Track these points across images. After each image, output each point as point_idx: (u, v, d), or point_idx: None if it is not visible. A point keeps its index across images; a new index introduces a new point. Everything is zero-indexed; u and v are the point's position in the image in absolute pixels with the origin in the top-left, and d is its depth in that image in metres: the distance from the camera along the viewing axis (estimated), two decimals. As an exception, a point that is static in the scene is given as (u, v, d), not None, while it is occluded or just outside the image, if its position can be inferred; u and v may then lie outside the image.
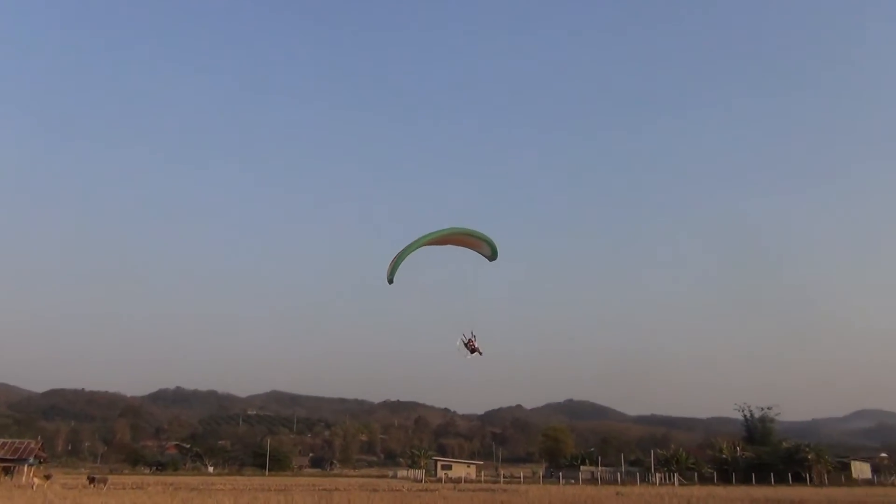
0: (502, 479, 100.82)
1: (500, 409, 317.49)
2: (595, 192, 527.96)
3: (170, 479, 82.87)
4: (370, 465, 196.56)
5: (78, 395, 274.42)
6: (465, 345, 28.01)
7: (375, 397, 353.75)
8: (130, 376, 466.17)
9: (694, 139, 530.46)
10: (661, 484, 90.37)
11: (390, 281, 27.75)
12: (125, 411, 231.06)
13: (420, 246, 27.95)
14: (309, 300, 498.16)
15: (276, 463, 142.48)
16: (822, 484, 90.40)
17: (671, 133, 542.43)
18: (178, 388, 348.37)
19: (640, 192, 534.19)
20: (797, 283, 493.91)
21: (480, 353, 28.01)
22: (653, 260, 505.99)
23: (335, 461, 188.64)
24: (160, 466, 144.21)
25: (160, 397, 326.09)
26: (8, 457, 68.48)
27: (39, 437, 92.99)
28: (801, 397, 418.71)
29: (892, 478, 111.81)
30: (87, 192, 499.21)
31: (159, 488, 45.65)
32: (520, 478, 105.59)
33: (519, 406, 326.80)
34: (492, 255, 29.43)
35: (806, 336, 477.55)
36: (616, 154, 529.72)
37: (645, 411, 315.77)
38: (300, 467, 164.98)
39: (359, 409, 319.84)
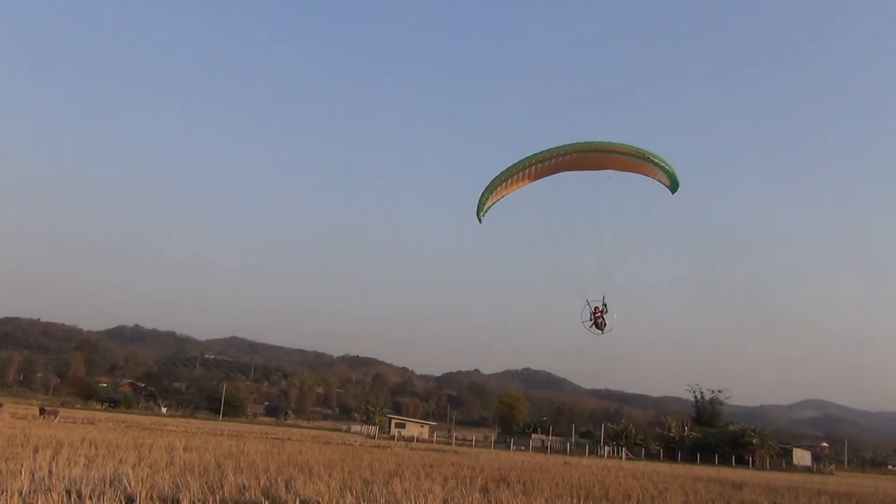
0: (454, 441, 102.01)
1: (458, 373, 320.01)
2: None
3: (122, 416, 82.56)
4: (325, 417, 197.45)
5: (33, 324, 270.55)
6: (592, 315, 22.80)
7: (335, 351, 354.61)
8: (89, 310, 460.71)
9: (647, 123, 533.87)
10: (608, 457, 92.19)
11: (479, 218, 23.33)
12: (81, 345, 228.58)
13: (528, 168, 22.36)
14: (276, 248, 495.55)
15: (230, 409, 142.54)
16: (763, 468, 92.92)
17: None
18: (136, 325, 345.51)
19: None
20: (755, 275, 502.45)
21: (602, 330, 22.85)
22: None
23: (290, 411, 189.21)
24: (113, 403, 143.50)
25: (118, 334, 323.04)
26: (-42, 382, 67.61)
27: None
28: (751, 383, 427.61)
29: (831, 466, 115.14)
30: (59, 121, 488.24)
31: (110, 425, 45.50)
32: (472, 441, 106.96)
33: (477, 371, 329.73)
34: (672, 183, 22.81)
35: (760, 324, 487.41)
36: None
37: (599, 385, 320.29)
38: (254, 415, 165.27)
39: (317, 362, 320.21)
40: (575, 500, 14.61)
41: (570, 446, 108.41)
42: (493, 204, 23.42)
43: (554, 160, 22.49)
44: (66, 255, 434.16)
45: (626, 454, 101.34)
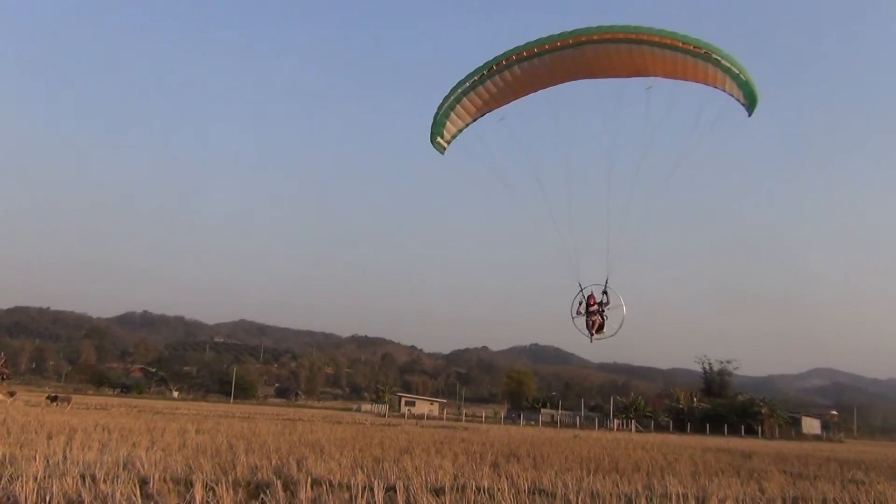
0: (464, 417, 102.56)
1: (466, 350, 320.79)
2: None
3: (134, 401, 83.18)
4: (335, 397, 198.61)
5: (43, 313, 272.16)
6: (586, 309, 17.79)
7: (343, 331, 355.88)
8: (97, 298, 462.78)
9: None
10: (618, 430, 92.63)
11: (437, 145, 17.05)
12: (91, 332, 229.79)
13: (511, 70, 15.25)
14: (281, 230, 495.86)
15: (241, 391, 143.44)
16: (772, 437, 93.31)
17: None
18: (145, 311, 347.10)
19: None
20: (765, 244, 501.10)
21: (595, 333, 17.73)
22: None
23: (300, 392, 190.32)
24: (124, 389, 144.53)
25: (127, 320, 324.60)
26: (-30, 372, 68.25)
27: (3, 354, 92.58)
28: (759, 353, 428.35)
29: (840, 434, 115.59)
30: (63, 114, 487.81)
31: (123, 410, 45.85)
32: (481, 417, 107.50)
33: (485, 348, 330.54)
34: (748, 97, 15.15)
35: (767, 294, 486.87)
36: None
37: (608, 359, 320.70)
38: (265, 396, 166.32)
39: (326, 343, 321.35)
40: (585, 473, 14.71)
41: (580, 420, 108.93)
42: (463, 129, 17.04)
43: (555, 58, 14.97)
44: (74, 244, 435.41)
45: (636, 427, 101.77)
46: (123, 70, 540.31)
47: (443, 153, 17.41)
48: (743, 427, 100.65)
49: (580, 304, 18.00)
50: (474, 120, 16.90)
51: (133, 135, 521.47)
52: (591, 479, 13.27)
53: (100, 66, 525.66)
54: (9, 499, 8.48)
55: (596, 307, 17.99)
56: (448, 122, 16.71)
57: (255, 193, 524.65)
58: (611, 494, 10.65)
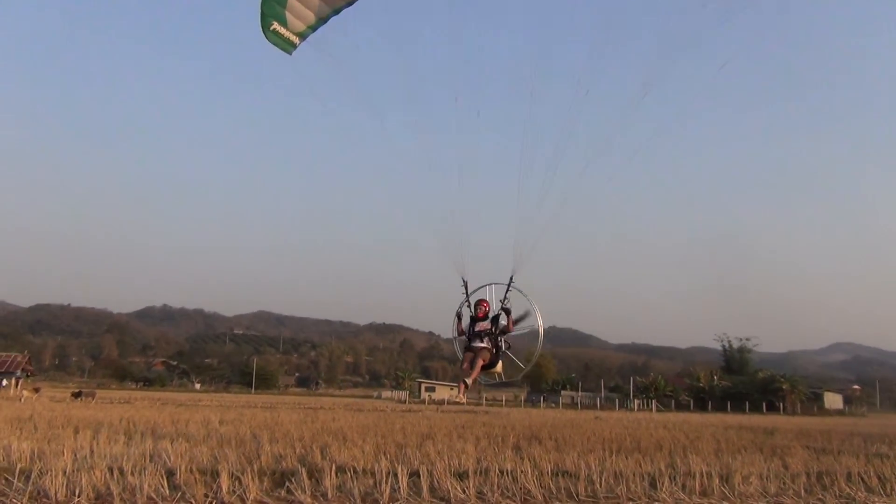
0: (485, 401, 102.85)
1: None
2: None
3: (157, 394, 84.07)
4: (355, 385, 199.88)
5: (64, 310, 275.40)
6: (470, 328, 12.83)
7: (361, 319, 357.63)
8: (117, 293, 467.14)
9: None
10: (638, 410, 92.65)
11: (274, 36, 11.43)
12: (112, 328, 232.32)
13: None
14: (298, 223, 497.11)
15: (262, 381, 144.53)
16: (794, 413, 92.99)
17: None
18: (164, 305, 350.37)
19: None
20: (777, 219, 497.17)
21: (491, 364, 12.71)
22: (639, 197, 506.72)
23: (320, 381, 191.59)
24: (147, 382, 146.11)
25: (147, 315, 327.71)
26: (-5, 369, 69.22)
27: (26, 351, 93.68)
28: (779, 330, 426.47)
29: (863, 408, 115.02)
30: (79, 107, 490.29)
31: (146, 403, 46.31)
32: (501, 401, 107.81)
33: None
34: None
35: (787, 270, 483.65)
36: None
37: (626, 340, 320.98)
38: (286, 386, 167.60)
39: (344, 331, 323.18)
40: (607, 454, 14.75)
41: (600, 401, 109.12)
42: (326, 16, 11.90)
43: None
44: (93, 240, 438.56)
45: (656, 406, 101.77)
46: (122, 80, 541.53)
47: (289, 51, 11.82)
48: (764, 404, 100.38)
49: (458, 319, 13.19)
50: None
51: (151, 131, 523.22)
52: (613, 460, 13.30)
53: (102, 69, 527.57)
54: (39, 493, 8.62)
55: (489, 327, 12.72)
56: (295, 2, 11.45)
57: (271, 186, 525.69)
58: (634, 474, 10.68)
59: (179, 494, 8.75)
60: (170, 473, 9.69)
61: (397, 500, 9.05)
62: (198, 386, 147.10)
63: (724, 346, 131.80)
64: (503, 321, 12.83)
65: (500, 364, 13.15)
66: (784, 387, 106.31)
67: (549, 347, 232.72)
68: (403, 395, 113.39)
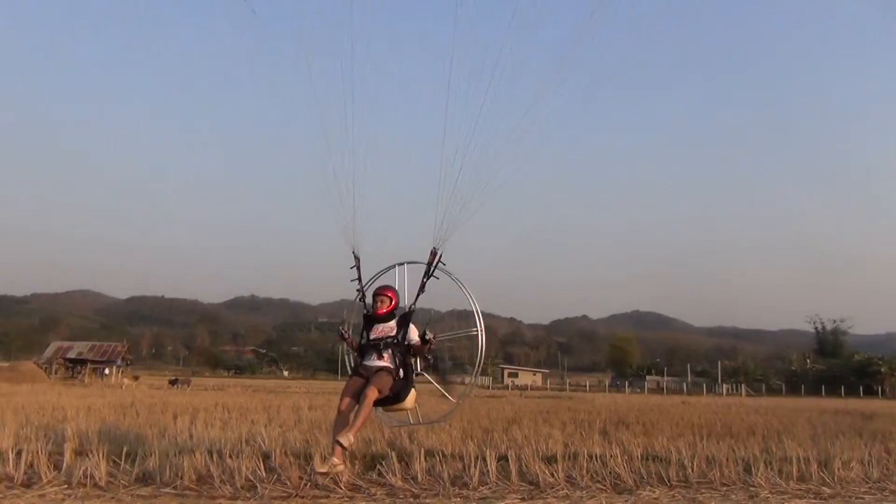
0: (568, 387, 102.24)
1: (565, 320, 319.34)
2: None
3: (248, 381, 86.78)
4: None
5: (158, 301, 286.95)
6: (363, 336, 8.93)
7: (442, 306, 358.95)
8: (207, 284, 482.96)
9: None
10: (727, 395, 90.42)
11: None
12: (203, 318, 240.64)
13: None
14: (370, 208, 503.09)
15: (345, 368, 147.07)
16: (894, 397, 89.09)
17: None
18: (252, 295, 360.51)
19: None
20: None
21: (395, 398, 8.68)
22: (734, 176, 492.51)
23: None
24: (238, 370, 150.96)
25: (236, 304, 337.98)
26: (97, 358, 72.70)
27: (125, 341, 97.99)
28: (875, 310, 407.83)
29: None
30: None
31: (239, 389, 47.87)
32: (585, 386, 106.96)
33: (584, 316, 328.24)
34: None
35: (884, 245, 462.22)
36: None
37: (712, 323, 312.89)
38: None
39: (424, 317, 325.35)
40: (697, 438, 14.46)
41: (687, 386, 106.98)
42: None
43: None
44: (184, 234, 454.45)
45: (746, 391, 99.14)
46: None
47: None
48: (861, 387, 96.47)
49: (344, 322, 9.33)
50: None
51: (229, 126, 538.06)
52: (704, 445, 13.03)
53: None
54: (145, 475, 9.03)
55: (393, 332, 8.76)
56: None
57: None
58: (727, 459, 10.44)
59: (275, 476, 9.04)
60: (265, 456, 10.01)
61: (486, 483, 9.11)
62: (286, 373, 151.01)
63: (816, 327, 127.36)
64: (414, 337, 8.67)
65: (412, 396, 8.85)
66: (883, 370, 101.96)
67: (633, 331, 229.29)
68: (487, 380, 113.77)
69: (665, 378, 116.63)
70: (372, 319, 8.96)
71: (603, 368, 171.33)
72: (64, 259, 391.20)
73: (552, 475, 9.33)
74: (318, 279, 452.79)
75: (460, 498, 8.46)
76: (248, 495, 8.39)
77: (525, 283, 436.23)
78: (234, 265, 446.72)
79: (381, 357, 8.59)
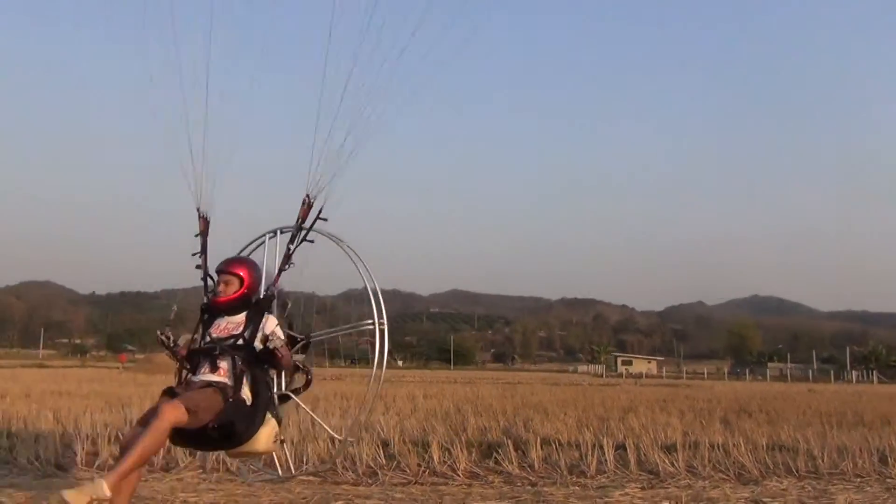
0: (685, 375, 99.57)
1: (680, 306, 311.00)
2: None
3: (364, 371, 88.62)
4: (550, 360, 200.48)
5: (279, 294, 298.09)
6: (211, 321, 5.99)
7: (553, 294, 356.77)
8: (322, 278, 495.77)
9: None
10: (857, 382, 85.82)
11: None
12: (320, 309, 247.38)
13: None
14: (487, 201, 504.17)
15: (459, 358, 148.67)
16: None
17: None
18: (364, 288, 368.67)
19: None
20: None
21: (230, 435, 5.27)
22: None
23: (516, 356, 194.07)
24: (354, 360, 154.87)
25: (349, 296, 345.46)
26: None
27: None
28: None
29: None
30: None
31: (356, 379, 48.97)
32: (703, 374, 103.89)
33: (700, 302, 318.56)
34: None
35: None
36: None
37: (838, 307, 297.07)
38: (483, 362, 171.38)
39: (536, 307, 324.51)
40: (827, 428, 13.82)
41: (813, 373, 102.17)
42: None
43: None
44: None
45: (878, 377, 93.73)
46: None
47: None
48: None
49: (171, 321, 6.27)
50: None
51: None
52: (834, 434, 12.45)
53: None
54: (272, 461, 9.44)
55: (239, 330, 5.95)
56: None
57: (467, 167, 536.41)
58: (860, 449, 9.93)
59: (395, 464, 9.26)
60: (384, 444, 10.26)
61: (604, 472, 9.03)
62: (400, 363, 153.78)
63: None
64: (275, 343, 5.83)
65: (268, 432, 5.84)
66: None
67: (752, 317, 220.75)
68: (600, 368, 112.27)
69: (788, 365, 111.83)
70: (213, 311, 6.12)
71: (721, 356, 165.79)
72: (185, 256, 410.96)
73: (672, 464, 9.15)
74: (428, 270, 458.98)
75: (578, 486, 8.42)
76: (369, 481, 8.64)
77: (637, 270, 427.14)
78: (346, 259, 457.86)
79: (214, 368, 5.60)
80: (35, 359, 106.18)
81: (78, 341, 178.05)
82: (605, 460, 9.29)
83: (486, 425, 13.41)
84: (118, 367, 61.69)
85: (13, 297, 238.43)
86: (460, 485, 8.52)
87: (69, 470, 8.94)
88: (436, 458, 9.31)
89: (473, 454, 9.83)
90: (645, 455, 9.57)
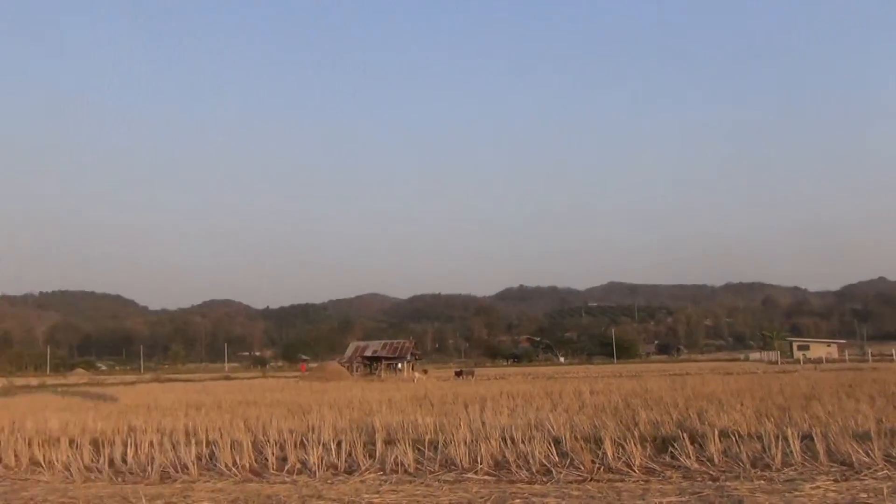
0: (870, 357, 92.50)
1: (858, 284, 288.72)
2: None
3: (526, 369, 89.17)
4: (718, 349, 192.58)
5: (436, 299, 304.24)
6: None
7: (716, 280, 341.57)
8: (479, 280, 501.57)
9: None
10: None
11: None
12: (478, 311, 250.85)
13: None
14: (638, 191, 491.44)
15: (622, 351, 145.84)
16: None
17: None
18: (521, 286, 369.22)
19: None
20: None
21: None
22: None
23: (681, 347, 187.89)
24: (516, 358, 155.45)
25: (506, 296, 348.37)
26: (389, 355, 78.69)
27: (411, 338, 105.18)
28: None
29: None
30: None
31: (519, 377, 49.34)
32: (891, 356, 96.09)
33: (881, 278, 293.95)
34: None
35: None
36: None
37: None
38: (647, 354, 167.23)
39: (699, 294, 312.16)
40: None
41: None
42: None
43: None
44: (451, 233, 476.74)
45: None
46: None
47: None
48: None
49: None
50: None
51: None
52: None
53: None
54: (447, 461, 9.67)
55: None
56: None
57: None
58: None
59: (568, 461, 9.25)
60: (556, 441, 10.26)
61: (791, 464, 8.60)
62: (562, 359, 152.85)
63: None
64: None
65: None
66: None
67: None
68: (774, 355, 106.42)
69: None
70: None
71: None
72: (353, 268, 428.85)
73: (867, 454, 8.57)
74: (584, 265, 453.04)
75: (763, 480, 8.06)
76: (544, 479, 8.67)
77: (807, 248, 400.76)
78: (501, 260, 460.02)
79: None
80: (221, 372, 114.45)
81: (257, 354, 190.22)
82: (791, 452, 8.84)
83: (658, 419, 13.11)
84: (299, 377, 65.20)
85: (199, 316, 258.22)
86: (637, 481, 8.38)
87: (262, 474, 9.56)
88: (609, 453, 9.21)
89: (648, 449, 9.64)
90: (835, 445, 9.03)
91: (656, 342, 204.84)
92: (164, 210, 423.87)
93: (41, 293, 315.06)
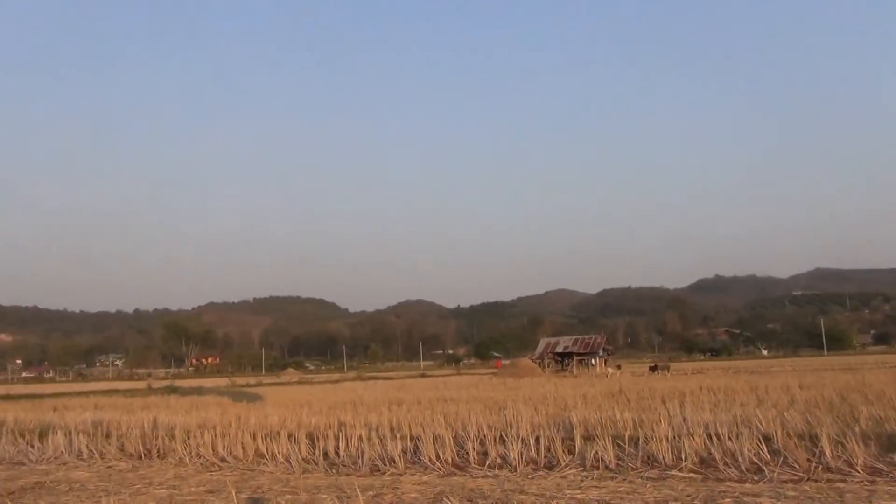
0: None
1: None
2: None
3: (725, 363, 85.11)
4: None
5: (625, 292, 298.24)
6: None
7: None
8: (670, 270, 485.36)
9: None
10: None
11: None
12: (672, 303, 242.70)
13: None
14: (845, 162, 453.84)
15: (833, 342, 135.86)
16: None
17: None
18: (716, 276, 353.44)
19: None
20: None
21: None
22: None
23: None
24: (714, 352, 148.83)
25: (701, 287, 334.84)
26: (581, 351, 78.10)
27: (602, 332, 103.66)
28: None
29: None
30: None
31: (718, 372, 47.26)
32: None
33: None
34: None
35: None
36: None
37: None
38: (863, 345, 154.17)
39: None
40: None
41: None
42: None
43: None
44: (641, 229, 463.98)
45: None
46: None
47: None
48: None
49: None
50: None
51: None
52: None
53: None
54: (649, 458, 9.46)
55: None
56: None
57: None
58: None
59: (781, 459, 8.75)
60: (766, 438, 9.74)
61: None
62: (765, 352, 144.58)
63: None
64: None
65: None
66: None
67: None
68: None
69: None
70: None
71: None
72: (542, 263, 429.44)
73: None
74: (785, 250, 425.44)
75: None
76: (755, 478, 8.25)
77: None
78: (694, 249, 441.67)
79: None
80: (417, 369, 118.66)
81: (451, 351, 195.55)
82: None
83: (881, 415, 12.08)
84: (493, 374, 66.30)
85: (394, 317, 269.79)
86: (861, 482, 7.77)
87: (465, 468, 9.82)
88: (828, 452, 8.61)
89: (872, 447, 8.91)
90: None
91: (873, 332, 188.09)
92: (363, 218, 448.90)
93: (255, 299, 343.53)
